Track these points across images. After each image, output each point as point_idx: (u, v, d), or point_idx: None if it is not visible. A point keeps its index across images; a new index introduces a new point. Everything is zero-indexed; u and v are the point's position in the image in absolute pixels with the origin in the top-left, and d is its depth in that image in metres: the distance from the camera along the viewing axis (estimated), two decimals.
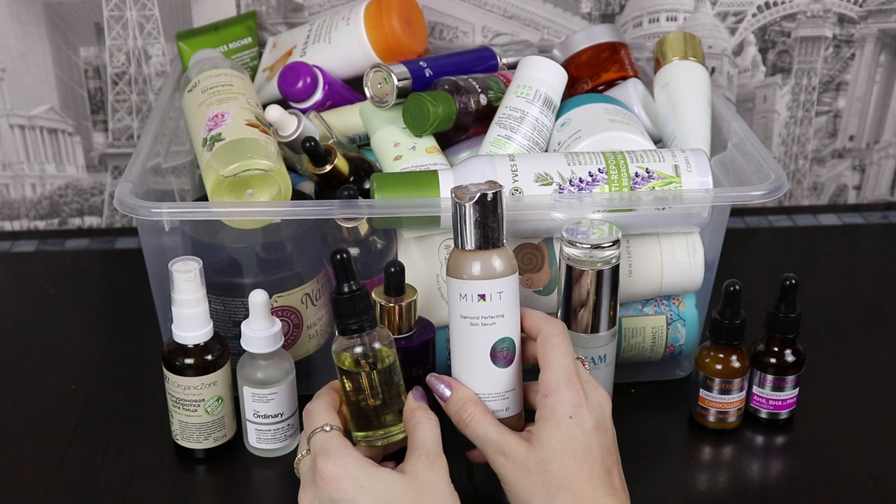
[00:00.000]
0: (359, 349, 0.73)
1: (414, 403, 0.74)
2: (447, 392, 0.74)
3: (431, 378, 0.76)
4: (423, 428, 0.72)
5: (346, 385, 0.74)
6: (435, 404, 0.75)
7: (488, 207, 0.72)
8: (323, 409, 0.73)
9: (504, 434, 0.71)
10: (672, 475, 0.86)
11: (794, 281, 0.86)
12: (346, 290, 0.72)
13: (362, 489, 0.68)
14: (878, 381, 0.96)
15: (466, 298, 0.73)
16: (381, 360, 0.74)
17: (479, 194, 0.71)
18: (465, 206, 0.72)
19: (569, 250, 0.81)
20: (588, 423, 0.70)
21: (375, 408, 0.74)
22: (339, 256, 0.72)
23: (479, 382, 0.75)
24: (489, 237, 0.73)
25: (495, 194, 0.72)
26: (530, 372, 0.77)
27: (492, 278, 0.73)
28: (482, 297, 0.73)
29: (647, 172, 0.84)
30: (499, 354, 0.74)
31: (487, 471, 0.84)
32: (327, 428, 0.71)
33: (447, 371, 0.91)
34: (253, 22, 1.12)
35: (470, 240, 0.73)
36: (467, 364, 0.75)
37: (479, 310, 0.73)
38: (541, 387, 0.72)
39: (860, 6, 1.18)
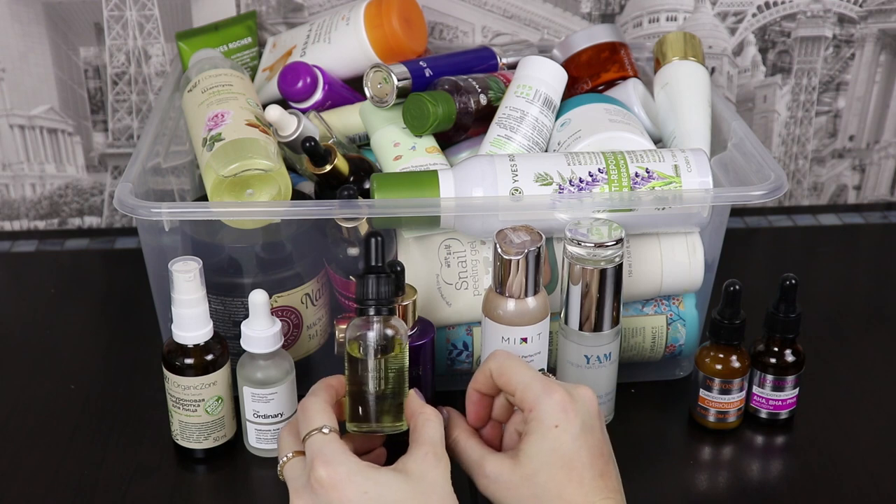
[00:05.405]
0: (371, 333, 0.71)
1: (421, 401, 0.72)
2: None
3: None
4: (431, 425, 0.69)
5: (351, 369, 0.72)
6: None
7: (534, 261, 0.77)
8: (320, 409, 0.69)
9: (486, 455, 0.70)
10: (672, 475, 0.86)
11: (794, 281, 0.86)
12: (373, 268, 0.72)
13: (366, 495, 0.65)
14: (878, 381, 0.96)
15: (509, 341, 0.79)
16: (392, 347, 0.72)
17: (526, 251, 0.76)
18: (510, 260, 0.77)
19: (572, 249, 0.81)
20: (575, 427, 0.67)
21: (377, 398, 0.72)
22: (374, 239, 0.72)
23: None
24: (535, 286, 0.78)
25: (539, 248, 0.77)
26: None
27: (533, 323, 0.78)
28: (524, 340, 0.79)
29: (647, 172, 0.84)
30: None
31: None
32: (325, 430, 0.68)
33: (447, 369, 0.91)
34: (253, 22, 1.12)
35: (515, 289, 0.78)
36: None
37: (520, 351, 0.78)
38: (520, 405, 0.70)
39: (860, 6, 1.18)
